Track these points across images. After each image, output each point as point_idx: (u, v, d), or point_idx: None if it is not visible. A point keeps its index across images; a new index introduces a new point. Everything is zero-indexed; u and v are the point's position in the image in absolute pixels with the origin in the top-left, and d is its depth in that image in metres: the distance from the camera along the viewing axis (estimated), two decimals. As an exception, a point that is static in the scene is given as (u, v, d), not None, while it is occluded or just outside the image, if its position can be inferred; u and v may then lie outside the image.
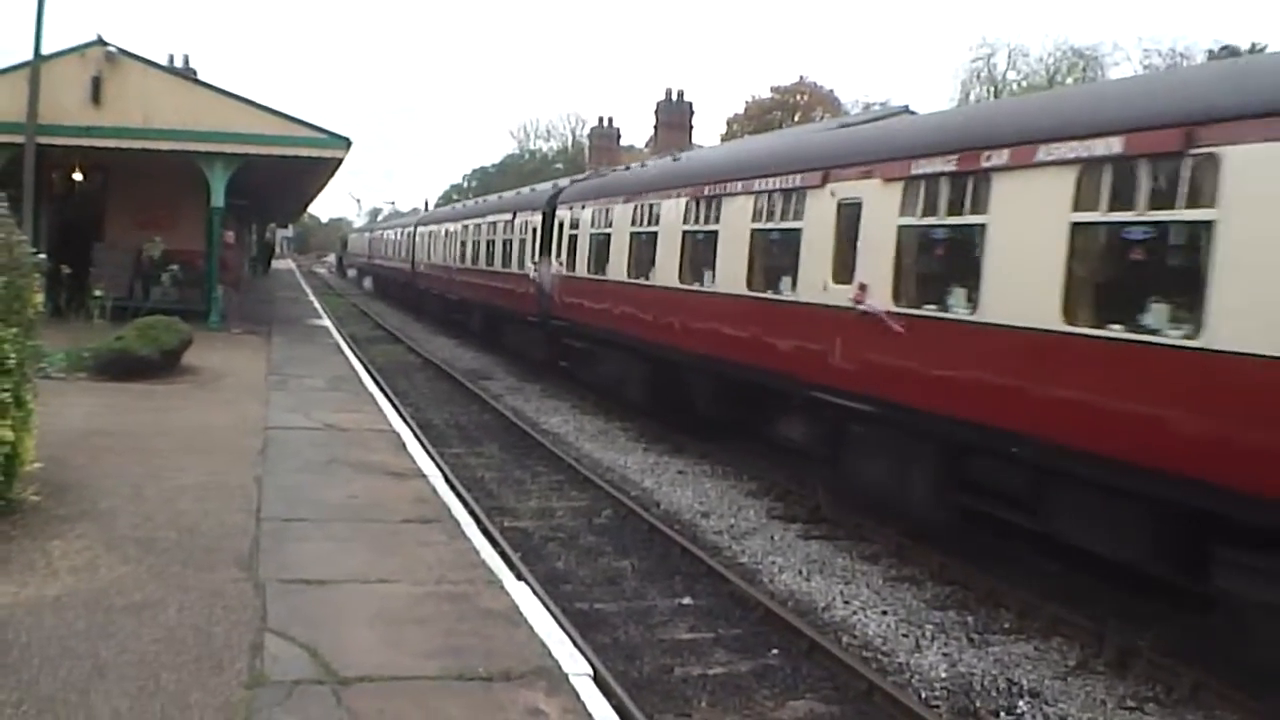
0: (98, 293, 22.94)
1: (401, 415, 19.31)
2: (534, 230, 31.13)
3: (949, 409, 12.42)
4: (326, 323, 38.09)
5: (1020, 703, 9.81)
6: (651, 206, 21.79)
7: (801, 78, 78.05)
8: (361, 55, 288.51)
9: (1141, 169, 10.23)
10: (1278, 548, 9.01)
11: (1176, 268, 10.32)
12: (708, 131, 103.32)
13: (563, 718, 6.80)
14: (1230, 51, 43.84)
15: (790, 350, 15.87)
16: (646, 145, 67.92)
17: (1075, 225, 10.85)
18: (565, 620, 9.96)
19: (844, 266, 14.60)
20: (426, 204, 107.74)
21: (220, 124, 28.35)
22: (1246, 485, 9.00)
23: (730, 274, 17.86)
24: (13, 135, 26.16)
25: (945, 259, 13.19)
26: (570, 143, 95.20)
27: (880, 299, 13.67)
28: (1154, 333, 10.03)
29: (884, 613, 12.04)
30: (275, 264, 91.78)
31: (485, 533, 11.83)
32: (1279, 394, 8.78)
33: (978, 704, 9.79)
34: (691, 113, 60.99)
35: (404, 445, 15.59)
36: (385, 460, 14.37)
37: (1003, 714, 9.62)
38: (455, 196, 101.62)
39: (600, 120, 70.94)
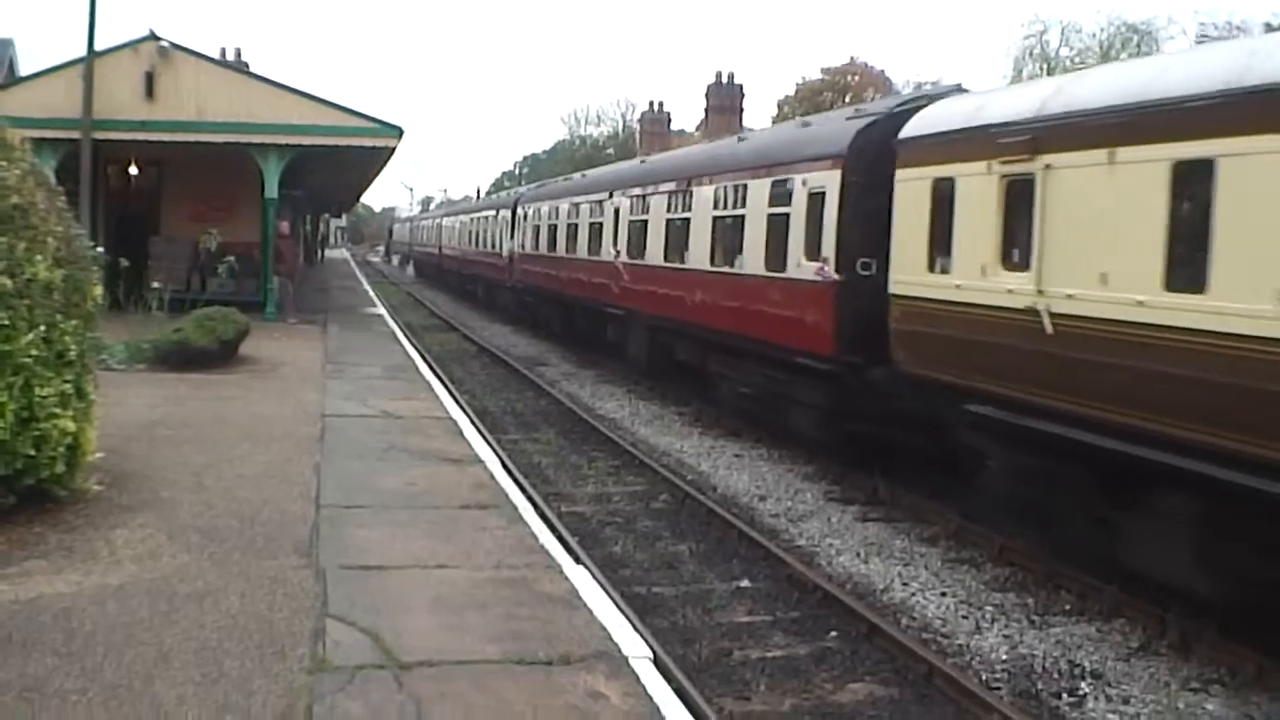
0: (155, 285, 23.24)
1: (458, 402, 19.38)
2: (506, 223, 43.23)
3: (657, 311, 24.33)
4: (381, 311, 38.32)
5: (1082, 684, 9.71)
6: (567, 207, 33.68)
7: (852, 58, 77.37)
8: (414, 44, 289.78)
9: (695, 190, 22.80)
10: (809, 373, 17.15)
11: (770, 238, 18.76)
12: (758, 114, 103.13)
13: (623, 701, 6.79)
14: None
15: (597, 285, 29.06)
16: (697, 129, 67.68)
17: (715, 219, 21.32)
18: (624, 604, 9.97)
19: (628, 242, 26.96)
20: (479, 191, 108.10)
21: (273, 116, 28.58)
22: (789, 342, 17.64)
23: (587, 247, 30.73)
24: (69, 131, 26.47)
25: (679, 235, 23.48)
26: (621, 128, 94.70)
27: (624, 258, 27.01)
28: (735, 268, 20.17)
29: (943, 594, 11.95)
30: (329, 254, 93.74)
31: (543, 518, 11.84)
32: (771, 293, 18.44)
33: (1039, 686, 9.69)
34: (742, 95, 60.87)
35: (461, 432, 15.64)
36: (443, 447, 14.42)
37: (1065, 695, 9.52)
38: (506, 183, 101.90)
39: (651, 105, 70.93)
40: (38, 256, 9.91)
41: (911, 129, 14.85)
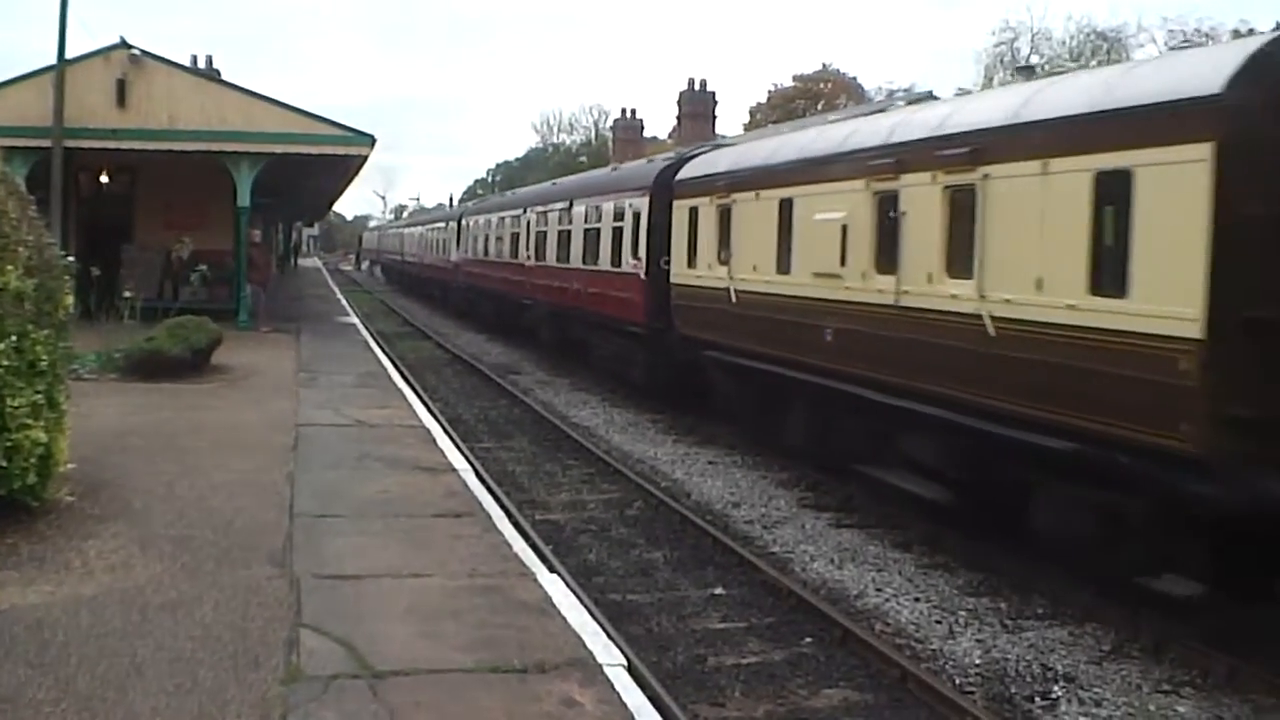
0: (127, 293, 23.11)
1: (431, 410, 19.36)
2: (453, 233, 51.33)
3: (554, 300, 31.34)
4: (354, 320, 38.26)
5: (1055, 688, 9.76)
6: (496, 220, 41.24)
7: (825, 65, 77.59)
8: (385, 51, 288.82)
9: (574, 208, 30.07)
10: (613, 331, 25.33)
11: (614, 243, 25.66)
12: (732, 120, 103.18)
13: (597, 708, 6.81)
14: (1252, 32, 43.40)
15: (516, 282, 36.13)
16: (670, 136, 67.76)
17: (585, 229, 27.97)
18: (598, 611, 9.98)
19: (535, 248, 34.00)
20: (451, 199, 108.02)
21: (245, 124, 28.55)
22: (623, 316, 24.60)
23: (509, 253, 37.90)
24: (40, 139, 26.37)
25: (565, 241, 30.48)
26: (594, 135, 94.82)
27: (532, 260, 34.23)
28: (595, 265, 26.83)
29: (917, 600, 11.99)
30: (302, 262, 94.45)
31: (517, 526, 11.84)
32: (614, 282, 25.43)
33: (1012, 690, 9.74)
34: (715, 103, 60.97)
35: (434, 440, 15.64)
36: (416, 455, 14.42)
37: (1038, 699, 9.57)
38: (479, 191, 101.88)
39: (623, 112, 71.00)
40: (9, 265, 9.88)
41: (680, 174, 22.44)
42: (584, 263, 28.07)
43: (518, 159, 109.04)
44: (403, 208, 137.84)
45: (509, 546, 10.32)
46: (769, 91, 77.20)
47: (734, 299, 18.75)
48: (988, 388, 12.21)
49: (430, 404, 20.91)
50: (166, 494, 11.55)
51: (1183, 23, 51.56)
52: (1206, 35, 46.05)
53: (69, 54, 27.49)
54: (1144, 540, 10.64)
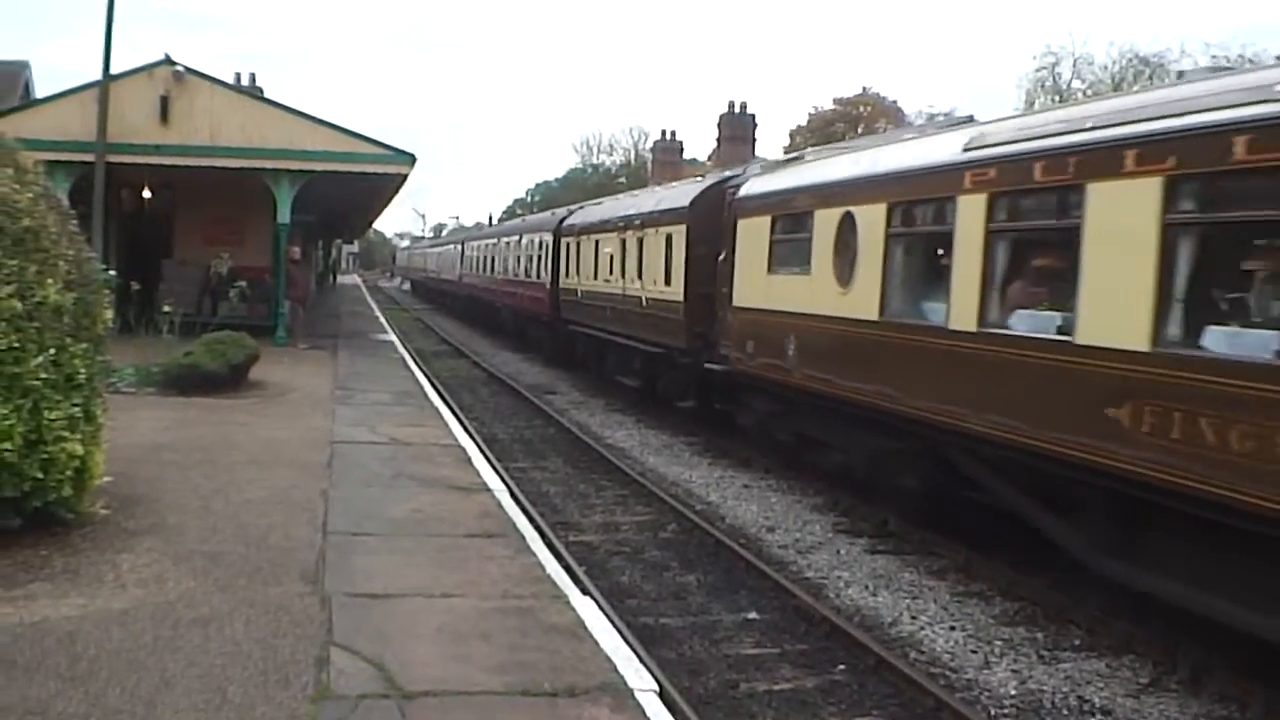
0: (166, 308, 23.24)
1: (466, 429, 19.36)
2: (459, 254, 64.24)
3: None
4: (392, 337, 38.39)
5: (1092, 721, 9.64)
6: (489, 243, 52.68)
7: (865, 89, 77.39)
8: (428, 71, 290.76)
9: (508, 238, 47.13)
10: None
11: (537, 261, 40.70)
12: (771, 143, 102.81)
13: (628, 734, 6.75)
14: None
15: (490, 289, 50.56)
16: (709, 158, 67.81)
17: (516, 254, 44.06)
18: (630, 635, 9.91)
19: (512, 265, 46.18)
20: (490, 218, 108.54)
21: (286, 141, 28.70)
22: (531, 309, 40.87)
23: (489, 270, 50.38)
24: (83, 154, 26.60)
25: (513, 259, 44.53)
26: (633, 156, 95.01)
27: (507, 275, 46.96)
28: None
29: (952, 628, 11.86)
30: (341, 279, 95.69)
31: (550, 547, 11.80)
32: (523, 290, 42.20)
33: (1049, 722, 9.62)
34: (754, 125, 60.97)
35: (469, 459, 15.62)
36: (450, 475, 14.40)
37: (1075, 732, 9.45)
38: (518, 210, 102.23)
39: (663, 133, 70.94)
40: (49, 280, 9.92)
41: (564, 222, 35.93)
42: (523, 276, 41.56)
43: (557, 179, 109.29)
44: (442, 226, 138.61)
45: (542, 568, 10.26)
46: (809, 114, 77.20)
47: (579, 296, 32.51)
48: (645, 332, 25.65)
49: (466, 422, 20.91)
50: (201, 509, 11.57)
51: (1226, 48, 51.13)
52: (1250, 61, 45.64)
53: (114, 69, 27.75)
54: (674, 380, 24.68)
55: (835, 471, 17.37)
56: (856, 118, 71.77)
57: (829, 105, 76.10)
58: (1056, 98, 55.50)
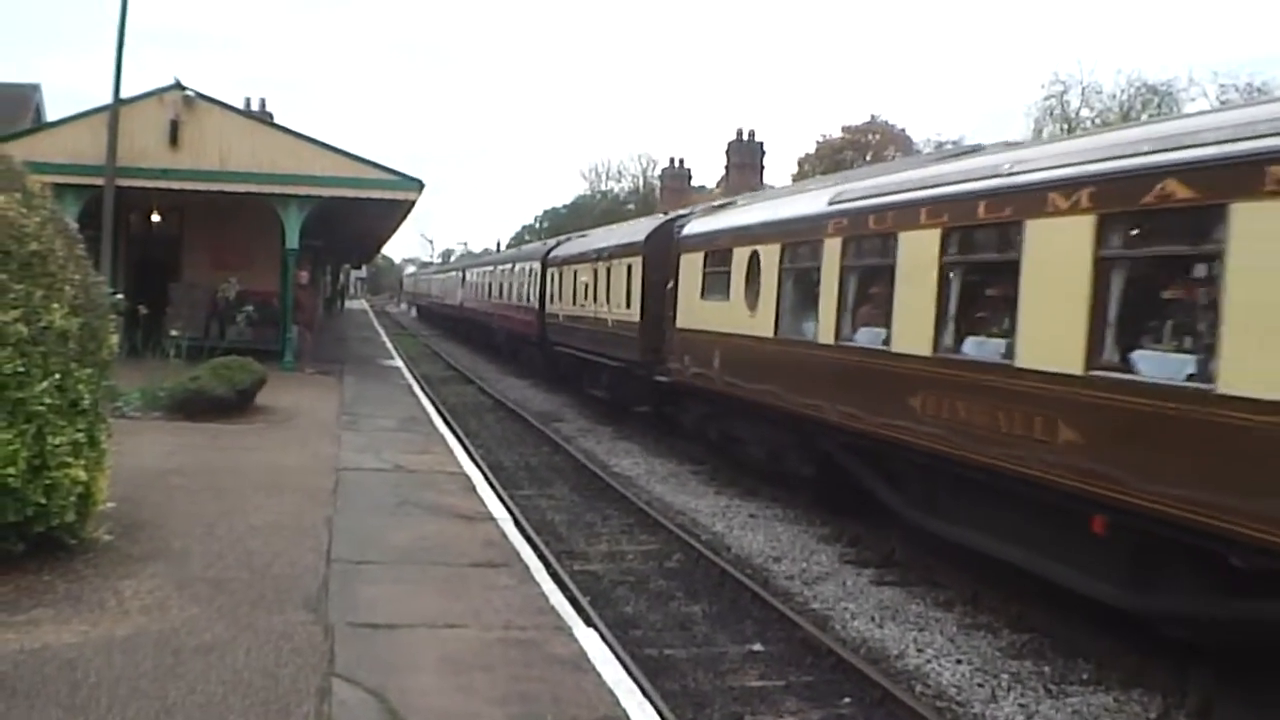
0: (174, 332, 23.30)
1: (472, 456, 19.33)
2: (459, 280, 68.43)
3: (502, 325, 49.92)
4: (398, 363, 38.42)
5: (1101, 758, 9.55)
6: (489, 270, 55.66)
7: (873, 117, 77.48)
8: (438, 97, 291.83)
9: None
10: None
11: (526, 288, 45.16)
12: (780, 170, 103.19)
13: (631, 768, 6.69)
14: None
15: (488, 312, 54.06)
16: (718, 185, 67.89)
17: (504, 281, 49.60)
18: (634, 667, 9.84)
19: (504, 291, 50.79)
20: (499, 244, 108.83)
21: (295, 166, 28.80)
22: (522, 331, 44.87)
23: (487, 296, 54.60)
24: (93, 177, 26.69)
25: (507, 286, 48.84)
26: (642, 183, 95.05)
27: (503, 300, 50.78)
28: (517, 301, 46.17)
29: (958, 661, 11.77)
30: (349, 304, 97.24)
31: (554, 577, 11.75)
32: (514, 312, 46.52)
33: (1057, 758, 9.54)
34: (763, 153, 61.28)
35: (474, 487, 15.59)
36: (455, 503, 14.37)
37: (1083, 769, 9.36)
38: (526, 237, 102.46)
39: (671, 161, 71.29)
40: (54, 304, 9.92)
41: (552, 253, 38.84)
42: (515, 301, 45.04)
43: (565, 206, 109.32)
44: (450, 251, 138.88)
45: (545, 598, 10.22)
46: (817, 142, 77.27)
47: (561, 319, 36.03)
48: (610, 349, 28.88)
49: (471, 449, 20.87)
50: (205, 535, 11.54)
51: (1234, 77, 51.12)
52: (1258, 90, 45.65)
53: (124, 91, 27.84)
54: (633, 390, 27.03)
55: (750, 464, 20.78)
56: (865, 146, 71.83)
57: (837, 133, 76.16)
58: (1065, 126, 55.43)
